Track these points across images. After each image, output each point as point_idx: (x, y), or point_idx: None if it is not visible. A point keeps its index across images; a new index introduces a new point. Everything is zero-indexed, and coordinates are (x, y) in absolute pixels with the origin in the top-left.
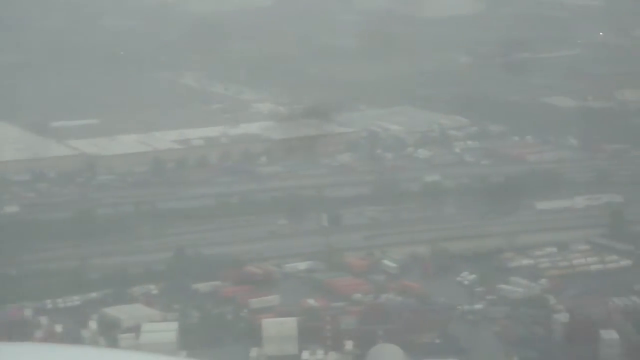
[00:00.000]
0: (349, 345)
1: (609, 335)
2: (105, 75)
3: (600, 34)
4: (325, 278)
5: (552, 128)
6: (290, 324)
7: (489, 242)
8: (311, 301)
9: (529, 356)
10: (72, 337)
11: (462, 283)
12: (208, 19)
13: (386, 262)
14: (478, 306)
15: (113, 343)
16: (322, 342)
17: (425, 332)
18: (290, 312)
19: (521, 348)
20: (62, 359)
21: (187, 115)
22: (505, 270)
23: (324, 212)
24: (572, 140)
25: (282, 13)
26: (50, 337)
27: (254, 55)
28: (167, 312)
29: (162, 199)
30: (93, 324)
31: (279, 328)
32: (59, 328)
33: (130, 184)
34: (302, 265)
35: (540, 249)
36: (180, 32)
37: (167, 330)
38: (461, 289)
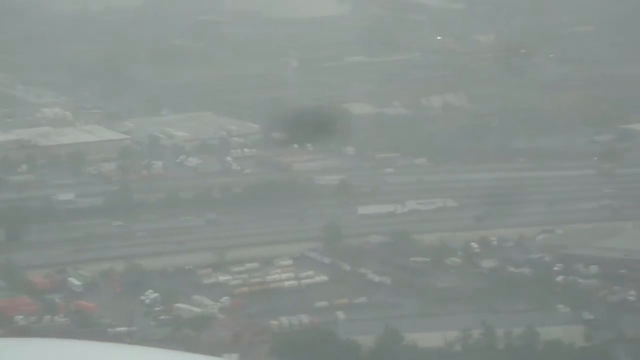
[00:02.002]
0: None
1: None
2: None
3: (438, 38)
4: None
5: (336, 135)
6: None
7: (197, 256)
8: None
9: None
10: None
11: (144, 302)
12: (50, 20)
13: (72, 280)
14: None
15: None
16: None
17: None
18: None
19: None
20: (63, 354)
21: None
22: (196, 287)
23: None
24: (349, 149)
25: (144, 14)
26: None
27: (77, 58)
28: None
29: None
30: None
31: None
32: None
33: None
34: None
35: (243, 264)
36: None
37: None
38: (142, 307)
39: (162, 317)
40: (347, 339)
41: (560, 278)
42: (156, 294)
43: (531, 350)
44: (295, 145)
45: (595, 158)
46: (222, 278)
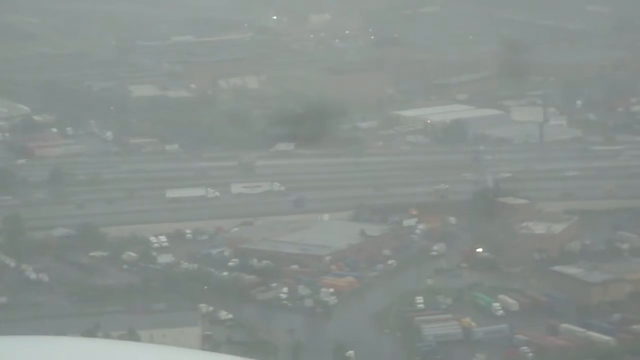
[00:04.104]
0: None
1: None
2: None
3: (274, 17)
4: None
5: (100, 119)
6: None
7: None
8: None
9: None
10: None
11: None
12: None
13: None
14: None
15: None
16: None
17: None
18: None
19: None
20: (64, 351)
21: None
22: None
23: None
24: (108, 133)
25: None
26: None
27: None
28: None
29: None
30: None
31: None
32: None
33: None
34: None
35: None
36: None
37: None
38: None
39: None
40: None
41: (226, 274)
42: None
43: None
44: (54, 130)
45: (353, 146)
46: None
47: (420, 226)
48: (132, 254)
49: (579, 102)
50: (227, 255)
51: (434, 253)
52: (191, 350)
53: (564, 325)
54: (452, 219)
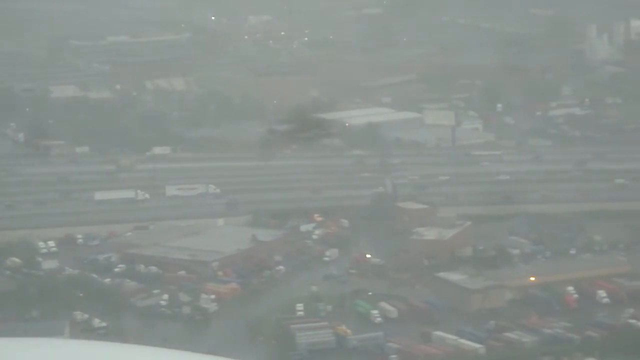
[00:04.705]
0: None
1: None
2: None
3: (212, 18)
4: None
5: (19, 120)
6: None
7: None
8: None
9: None
10: None
11: None
12: None
13: None
14: None
15: None
16: None
17: None
18: None
19: None
20: (63, 354)
21: None
22: None
23: None
24: (20, 135)
25: None
26: None
27: None
28: None
29: None
30: None
31: None
32: None
33: None
34: None
35: None
36: None
37: None
38: None
39: None
40: None
41: (108, 280)
42: None
43: None
44: None
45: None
46: None
47: (318, 231)
48: (17, 260)
49: (499, 106)
50: (114, 260)
51: (326, 259)
52: (191, 354)
53: (437, 333)
54: (351, 224)
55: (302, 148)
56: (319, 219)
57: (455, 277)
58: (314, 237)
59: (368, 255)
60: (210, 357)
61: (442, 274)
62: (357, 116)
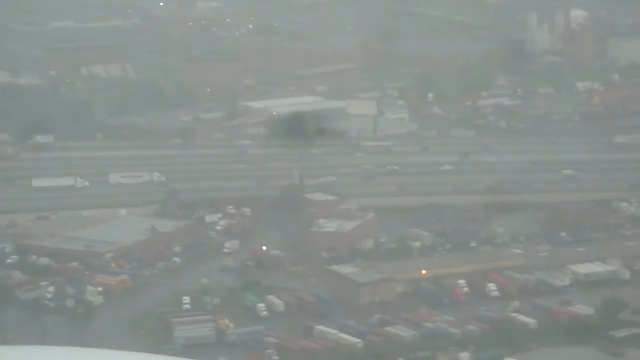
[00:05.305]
0: None
1: None
2: None
3: (161, 4)
4: None
5: None
6: None
7: None
8: None
9: None
10: None
11: None
12: None
13: None
14: None
15: None
16: None
17: None
18: None
19: None
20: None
21: None
22: None
23: None
24: None
25: None
26: None
27: None
28: None
29: None
30: None
31: None
32: None
33: None
34: None
35: None
36: None
37: None
38: None
39: None
40: None
41: None
42: None
43: None
44: None
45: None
46: None
47: (222, 222)
48: None
49: (430, 95)
50: (8, 251)
51: (226, 250)
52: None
53: (318, 327)
54: (257, 215)
55: (225, 137)
56: (232, 210)
57: (347, 270)
58: (218, 228)
59: (264, 247)
60: None
61: (335, 267)
62: (285, 105)
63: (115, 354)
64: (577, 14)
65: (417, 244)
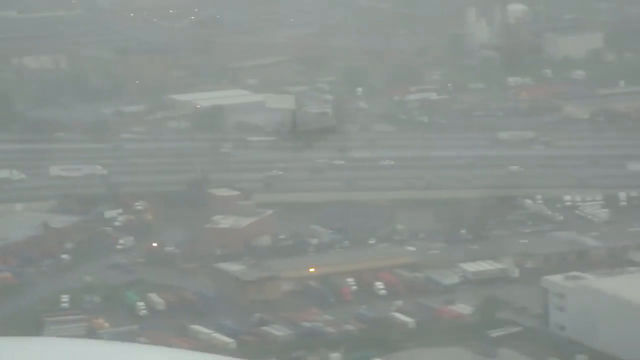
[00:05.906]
0: None
1: None
2: None
3: None
4: None
5: None
6: None
7: None
8: None
9: None
10: None
11: None
12: None
13: None
14: None
15: None
16: None
17: None
18: None
19: None
20: (62, 353)
21: None
22: None
23: None
24: None
25: None
26: None
27: None
28: None
29: None
30: None
31: None
32: None
33: None
34: None
35: None
36: None
37: None
38: None
39: None
40: None
41: None
42: None
43: None
44: None
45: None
46: None
47: (121, 218)
48: None
49: (359, 89)
50: None
51: (120, 247)
52: (190, 352)
53: (193, 326)
54: (157, 211)
55: (145, 130)
56: (138, 206)
57: (234, 267)
58: (117, 223)
59: (154, 244)
60: (210, 356)
61: (222, 265)
62: (210, 98)
63: (114, 345)
64: (516, 8)
65: (314, 241)
